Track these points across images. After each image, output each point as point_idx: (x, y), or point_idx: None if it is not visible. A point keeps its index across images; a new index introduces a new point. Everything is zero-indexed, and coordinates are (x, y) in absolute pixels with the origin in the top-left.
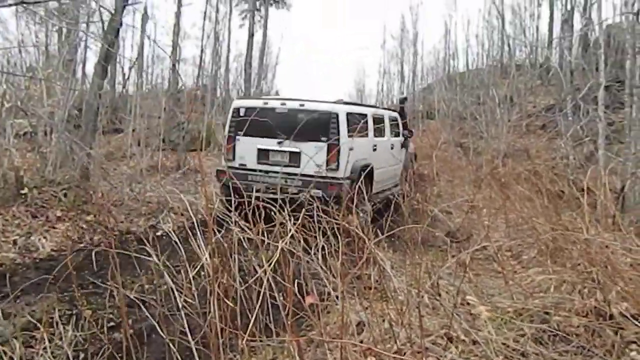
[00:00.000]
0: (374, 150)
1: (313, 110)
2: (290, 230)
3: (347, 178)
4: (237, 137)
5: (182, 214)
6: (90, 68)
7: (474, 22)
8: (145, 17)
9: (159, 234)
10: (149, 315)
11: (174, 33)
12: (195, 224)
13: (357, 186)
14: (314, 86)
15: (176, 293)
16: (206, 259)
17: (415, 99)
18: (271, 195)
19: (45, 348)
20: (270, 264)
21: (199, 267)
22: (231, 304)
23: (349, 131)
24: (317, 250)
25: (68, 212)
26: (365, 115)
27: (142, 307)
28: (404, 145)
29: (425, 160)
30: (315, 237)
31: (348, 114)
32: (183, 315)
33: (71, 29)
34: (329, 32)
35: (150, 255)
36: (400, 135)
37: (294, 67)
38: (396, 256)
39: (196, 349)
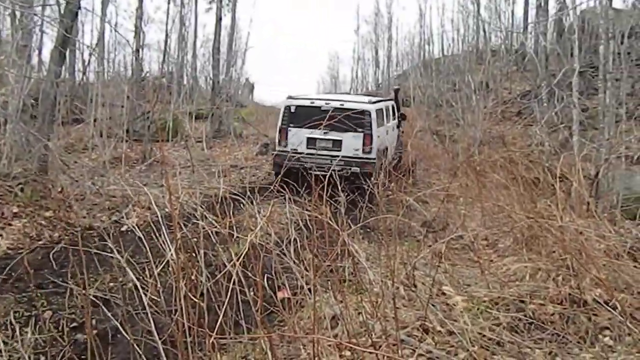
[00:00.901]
0: (387, 134)
1: (351, 109)
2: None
3: (376, 158)
4: (289, 128)
5: (148, 208)
6: (46, 54)
7: (449, 7)
8: (105, 0)
9: (123, 229)
10: (111, 316)
11: (136, 17)
12: (160, 219)
13: (380, 163)
14: (284, 72)
15: (141, 291)
16: (171, 255)
17: (390, 86)
18: (320, 172)
19: (0, 352)
20: (239, 258)
21: (164, 263)
22: (198, 301)
23: (377, 124)
24: (290, 243)
25: (25, 208)
26: (382, 109)
27: (106, 306)
28: (398, 125)
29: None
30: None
31: (377, 110)
32: (149, 314)
33: (25, 12)
34: (299, 15)
35: (113, 252)
36: (396, 118)
37: (263, 51)
38: (371, 247)
39: (163, 348)
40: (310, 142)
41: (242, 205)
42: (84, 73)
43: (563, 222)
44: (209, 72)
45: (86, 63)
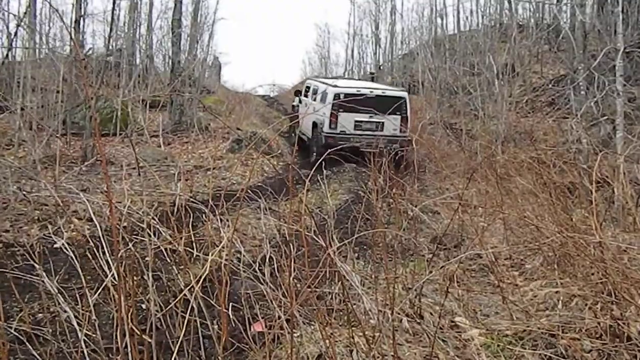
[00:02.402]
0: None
1: (391, 96)
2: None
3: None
4: (339, 113)
5: (88, 220)
6: None
7: None
8: None
9: (56, 246)
10: (38, 356)
11: None
12: (101, 234)
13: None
14: (262, 50)
15: (76, 324)
16: (113, 278)
17: (394, 69)
18: (368, 149)
19: None
20: (200, 281)
21: (101, 288)
22: (146, 337)
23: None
24: (264, 263)
25: None
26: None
27: (31, 343)
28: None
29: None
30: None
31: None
32: (85, 354)
33: None
34: None
35: (42, 275)
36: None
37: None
38: (367, 269)
39: None
40: (357, 124)
41: (206, 216)
42: (8, 49)
43: (603, 238)
44: (167, 49)
45: (12, 37)
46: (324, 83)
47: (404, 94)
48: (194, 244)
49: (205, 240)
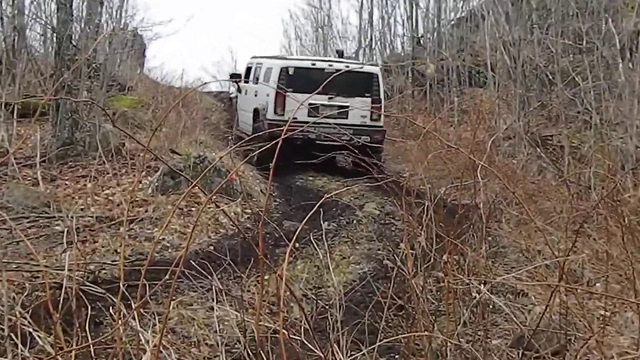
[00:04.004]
0: None
1: (358, 71)
2: None
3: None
4: (288, 94)
5: None
6: None
7: None
8: None
9: None
10: None
11: None
12: None
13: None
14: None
15: None
16: None
17: (444, 44)
18: (327, 142)
19: None
20: None
21: None
22: None
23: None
24: None
25: None
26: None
27: None
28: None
29: (464, 173)
30: None
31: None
32: None
33: None
34: None
35: None
36: None
37: None
38: None
39: None
40: (312, 109)
41: (115, 307)
42: None
43: None
44: (50, 16)
45: None
46: (269, 58)
47: (375, 69)
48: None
49: (114, 352)
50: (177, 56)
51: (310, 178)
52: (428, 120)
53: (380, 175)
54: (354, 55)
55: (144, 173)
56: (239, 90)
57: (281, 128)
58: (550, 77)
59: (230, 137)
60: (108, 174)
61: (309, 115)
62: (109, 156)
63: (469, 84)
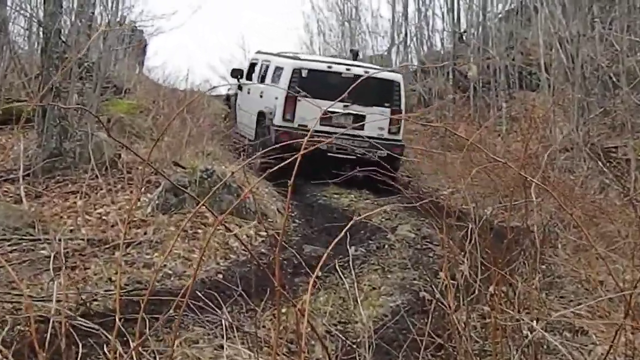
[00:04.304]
0: None
1: (376, 78)
2: None
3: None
4: (299, 99)
5: None
6: None
7: None
8: None
9: None
10: None
11: None
12: None
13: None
14: (229, 10)
15: None
16: None
17: (490, 40)
18: (341, 155)
19: None
20: None
21: None
22: None
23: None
24: None
25: None
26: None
27: None
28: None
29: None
30: None
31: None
32: None
33: None
34: None
35: None
36: None
37: None
38: None
39: None
40: (326, 117)
41: (108, 345)
42: None
43: None
44: (36, 7)
45: None
46: (278, 56)
47: (397, 77)
48: None
49: None
50: (182, 53)
51: (335, 196)
52: (472, 129)
53: (415, 194)
54: (386, 54)
55: (142, 189)
56: (239, 87)
57: (297, 140)
58: (615, 80)
59: (241, 148)
60: (101, 190)
61: (321, 124)
62: (103, 169)
63: (520, 86)
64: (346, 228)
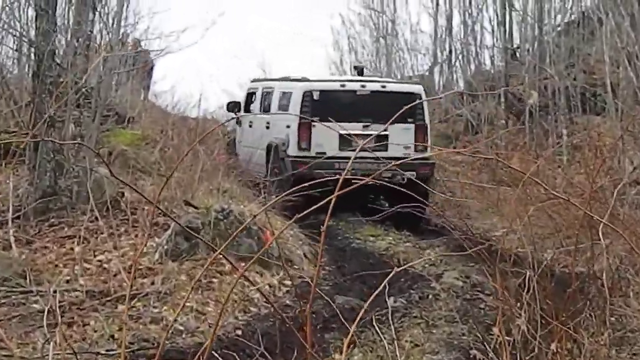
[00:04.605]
0: None
1: (397, 91)
2: None
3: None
4: (313, 124)
5: None
6: None
7: None
8: None
9: None
10: None
11: None
12: None
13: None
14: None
15: None
16: None
17: (548, 55)
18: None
19: None
20: None
21: None
22: None
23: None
24: None
25: None
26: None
27: None
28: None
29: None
30: None
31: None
32: None
33: None
34: None
35: None
36: None
37: None
38: None
39: None
40: (344, 140)
41: None
42: None
43: None
44: (25, 29)
45: None
46: (283, 80)
47: (417, 89)
48: None
49: None
50: (191, 69)
51: (371, 238)
52: (527, 160)
53: (464, 235)
54: (427, 73)
55: (149, 233)
56: (238, 122)
57: (308, 165)
58: None
59: (261, 184)
60: (102, 234)
61: (340, 149)
62: (104, 210)
63: (582, 110)
64: (387, 278)
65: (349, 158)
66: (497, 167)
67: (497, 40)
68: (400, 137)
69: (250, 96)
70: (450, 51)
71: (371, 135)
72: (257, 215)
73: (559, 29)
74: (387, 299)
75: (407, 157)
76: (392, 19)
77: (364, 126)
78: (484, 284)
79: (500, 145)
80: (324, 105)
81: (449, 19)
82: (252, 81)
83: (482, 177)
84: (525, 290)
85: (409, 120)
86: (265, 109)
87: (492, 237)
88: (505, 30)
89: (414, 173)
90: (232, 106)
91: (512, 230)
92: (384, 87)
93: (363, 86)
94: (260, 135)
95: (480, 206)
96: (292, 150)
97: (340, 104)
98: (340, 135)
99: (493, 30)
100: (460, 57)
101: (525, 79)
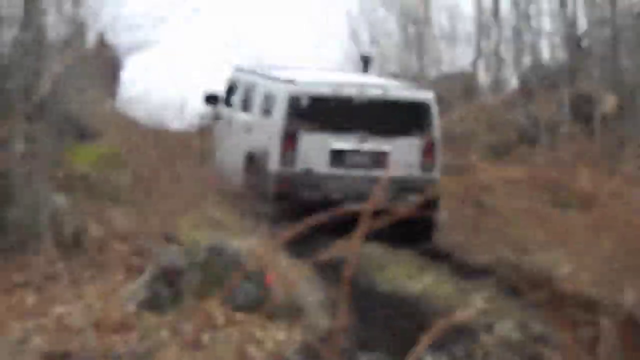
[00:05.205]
0: None
1: (401, 100)
2: None
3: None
4: (300, 134)
5: None
6: None
7: None
8: None
9: None
10: None
11: None
12: None
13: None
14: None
15: None
16: None
17: (623, 46)
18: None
19: None
20: None
21: None
22: None
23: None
24: None
25: None
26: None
27: None
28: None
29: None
30: None
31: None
32: None
33: None
34: None
35: None
36: None
37: None
38: None
39: None
40: (336, 156)
41: None
42: None
43: None
44: None
45: None
46: (267, 77)
47: (426, 96)
48: None
49: None
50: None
51: (405, 278)
52: (599, 176)
53: (519, 275)
54: (469, 68)
55: (121, 277)
56: (217, 117)
57: (293, 185)
58: None
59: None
60: (62, 279)
61: (331, 166)
62: (63, 250)
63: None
64: (429, 335)
65: (340, 177)
66: (560, 187)
67: (557, 26)
68: (404, 154)
69: (231, 88)
70: (498, 40)
71: (367, 150)
72: (257, 252)
73: (636, 11)
74: (423, 357)
75: (410, 178)
76: (423, 2)
77: (359, 140)
78: (548, 336)
79: (563, 158)
80: (314, 112)
81: (496, 1)
82: (235, 70)
83: (541, 199)
84: (601, 342)
85: (415, 133)
86: (247, 108)
87: (556, 276)
88: (567, 15)
89: (416, 196)
90: (210, 99)
91: (582, 267)
92: (385, 93)
93: (361, 91)
94: (239, 139)
95: (540, 236)
96: (274, 165)
97: (332, 112)
98: (332, 150)
99: (552, 14)
100: (510, 47)
101: (594, 74)
